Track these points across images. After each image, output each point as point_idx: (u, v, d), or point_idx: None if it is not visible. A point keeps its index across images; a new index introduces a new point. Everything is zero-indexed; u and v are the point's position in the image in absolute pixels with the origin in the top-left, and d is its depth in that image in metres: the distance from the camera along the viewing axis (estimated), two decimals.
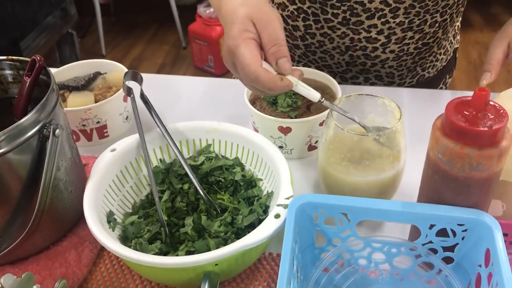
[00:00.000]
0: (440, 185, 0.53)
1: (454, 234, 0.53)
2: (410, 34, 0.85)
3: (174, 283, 0.58)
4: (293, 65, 0.94)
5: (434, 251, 0.55)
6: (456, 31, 0.98)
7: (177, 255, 0.58)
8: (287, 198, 0.57)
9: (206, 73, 2.81)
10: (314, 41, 0.88)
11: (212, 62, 2.79)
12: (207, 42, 2.72)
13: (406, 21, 0.82)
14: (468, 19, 3.05)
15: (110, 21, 3.26)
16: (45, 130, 0.59)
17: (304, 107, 0.75)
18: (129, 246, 0.58)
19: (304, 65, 0.93)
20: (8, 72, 0.68)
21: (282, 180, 0.60)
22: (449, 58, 0.99)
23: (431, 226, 0.53)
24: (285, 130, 0.73)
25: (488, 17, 3.07)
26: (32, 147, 0.58)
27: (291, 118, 0.73)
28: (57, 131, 0.59)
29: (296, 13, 0.86)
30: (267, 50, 0.59)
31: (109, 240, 0.53)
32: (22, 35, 2.38)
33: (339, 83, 0.80)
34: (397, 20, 0.82)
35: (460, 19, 0.97)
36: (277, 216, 0.55)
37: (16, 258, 0.64)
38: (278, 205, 0.56)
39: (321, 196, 0.55)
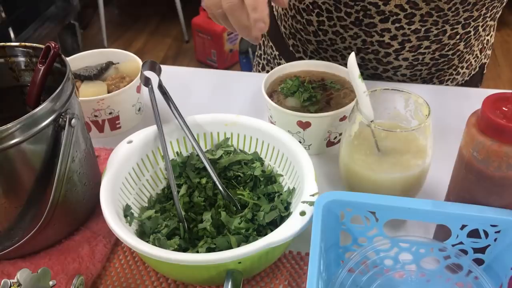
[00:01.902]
0: (473, 184, 0.51)
1: (487, 235, 0.52)
2: (426, 43, 0.81)
3: (194, 280, 0.56)
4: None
5: (464, 252, 0.53)
6: (485, 45, 0.92)
7: (197, 252, 0.56)
8: (312, 195, 0.55)
9: (209, 67, 2.78)
10: (326, 39, 0.86)
11: (215, 56, 2.76)
12: (211, 36, 2.69)
13: (423, 29, 0.79)
14: None
15: (113, 12, 3.22)
16: (60, 119, 0.57)
17: (324, 101, 0.73)
18: (147, 242, 0.56)
19: None
20: (21, 59, 0.66)
21: (306, 176, 0.58)
22: (473, 73, 0.94)
23: (463, 227, 0.52)
24: (305, 125, 0.71)
25: None
26: (46, 137, 0.56)
27: (311, 112, 0.71)
28: (73, 120, 0.57)
29: (311, 7, 0.83)
30: None
31: (129, 236, 0.51)
32: (23, 25, 2.35)
33: None
34: (412, 27, 0.79)
35: (493, 33, 0.92)
36: (302, 213, 0.53)
37: (27, 252, 0.61)
38: (303, 202, 0.54)
39: (349, 194, 0.53)
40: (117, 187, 0.59)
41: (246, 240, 0.57)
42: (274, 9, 0.96)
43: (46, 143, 0.56)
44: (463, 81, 0.94)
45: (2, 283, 0.48)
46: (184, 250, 0.57)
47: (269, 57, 1.01)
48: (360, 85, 0.60)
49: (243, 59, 2.62)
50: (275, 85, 0.77)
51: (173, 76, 0.95)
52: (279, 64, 0.98)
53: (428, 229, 0.64)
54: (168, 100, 0.64)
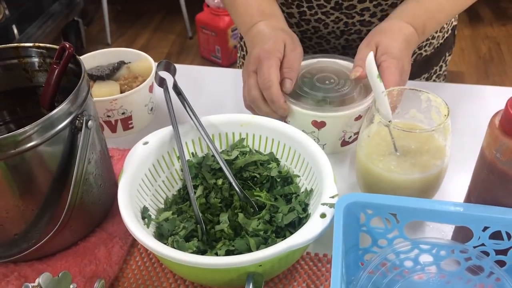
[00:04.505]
0: (495, 186, 0.51)
1: (509, 237, 0.51)
2: None
3: (213, 283, 0.56)
4: None
5: (486, 253, 0.53)
6: None
7: (216, 254, 0.55)
8: (332, 197, 0.54)
9: (213, 64, 2.77)
10: (309, 27, 0.88)
11: (219, 52, 2.75)
12: (215, 32, 2.68)
13: (398, 1, 0.82)
14: (478, 13, 3.02)
15: (116, 9, 3.21)
16: (77, 121, 0.56)
17: (338, 101, 0.72)
18: (165, 244, 0.55)
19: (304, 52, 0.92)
20: (34, 59, 0.65)
21: (325, 178, 0.57)
22: (446, 35, 0.96)
23: (485, 228, 0.51)
24: (319, 125, 0.71)
25: (497, 11, 3.04)
26: (63, 140, 0.56)
27: (326, 112, 0.71)
28: (89, 122, 0.57)
29: (290, 0, 0.86)
30: (282, 69, 0.71)
31: (149, 239, 0.51)
32: (27, 22, 2.34)
33: None
34: (389, 2, 0.82)
35: None
36: (323, 215, 0.52)
37: (44, 254, 0.61)
38: (323, 204, 0.54)
39: (370, 196, 0.53)
40: (134, 189, 0.58)
41: (265, 242, 0.56)
42: None
43: (62, 146, 0.56)
44: (438, 44, 0.96)
45: (23, 287, 0.47)
46: (203, 252, 0.56)
47: None
48: (378, 85, 0.59)
49: None
50: None
51: (183, 74, 0.94)
52: None
53: (445, 230, 0.63)
54: (184, 100, 0.64)
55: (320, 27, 0.87)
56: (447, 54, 1.00)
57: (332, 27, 0.86)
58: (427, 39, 0.92)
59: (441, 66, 0.99)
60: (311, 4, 0.85)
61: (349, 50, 0.91)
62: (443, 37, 0.96)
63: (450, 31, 0.98)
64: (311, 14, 0.86)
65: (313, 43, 0.92)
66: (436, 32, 0.93)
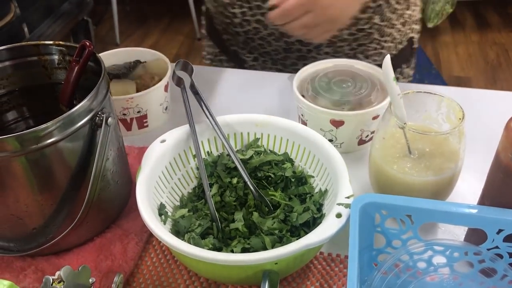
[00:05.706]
0: (511, 189, 0.51)
1: None
2: None
3: (228, 280, 0.56)
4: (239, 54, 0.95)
5: (499, 256, 0.53)
6: (407, 19, 0.93)
7: (232, 251, 0.56)
8: (348, 197, 0.55)
9: None
10: (251, 28, 0.90)
11: None
12: None
13: None
14: (486, 19, 3.02)
15: (125, 9, 3.23)
16: (97, 118, 0.57)
17: (356, 100, 0.73)
18: (182, 240, 0.56)
19: (250, 52, 0.94)
20: (54, 57, 0.66)
21: (340, 178, 0.58)
22: (401, 47, 0.95)
23: (499, 231, 0.52)
24: (338, 123, 0.71)
25: (506, 17, 3.04)
26: (83, 136, 0.57)
27: (344, 111, 0.71)
28: (109, 119, 0.57)
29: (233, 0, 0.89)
30: None
31: (168, 235, 0.51)
32: (37, 21, 2.36)
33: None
34: None
35: (415, 8, 0.93)
36: (338, 215, 0.53)
37: (60, 248, 0.62)
38: (339, 204, 0.54)
39: (385, 197, 0.53)
40: (151, 186, 0.59)
41: (280, 241, 0.57)
42: (206, 8, 1.01)
43: (82, 142, 0.57)
44: (392, 56, 0.94)
45: (44, 279, 0.48)
46: (218, 249, 0.57)
47: (210, 56, 1.05)
48: (394, 88, 0.60)
49: None
50: (305, 84, 0.77)
51: (196, 74, 0.95)
52: (220, 61, 1.03)
53: (457, 233, 0.64)
54: (200, 100, 0.65)
55: (260, 28, 0.89)
56: (404, 66, 0.98)
57: (271, 28, 0.88)
58: (375, 49, 0.91)
59: (397, 78, 0.97)
60: (250, 5, 0.87)
61: (290, 53, 0.92)
62: (395, 47, 0.94)
63: (405, 43, 0.96)
64: (251, 15, 0.88)
65: (256, 44, 0.94)
66: (387, 42, 0.92)
